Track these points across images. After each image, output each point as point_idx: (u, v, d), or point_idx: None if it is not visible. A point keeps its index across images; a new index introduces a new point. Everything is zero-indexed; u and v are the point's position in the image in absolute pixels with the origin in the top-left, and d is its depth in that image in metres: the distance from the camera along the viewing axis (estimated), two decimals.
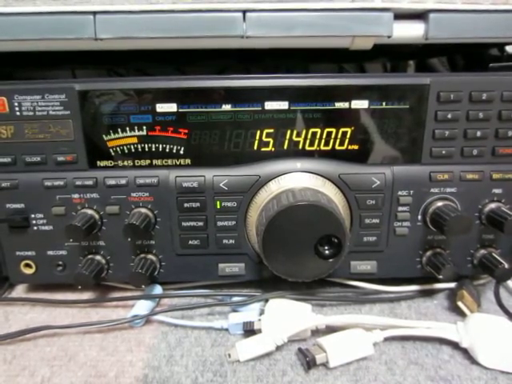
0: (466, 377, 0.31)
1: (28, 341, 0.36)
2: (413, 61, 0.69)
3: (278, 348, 0.33)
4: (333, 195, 0.37)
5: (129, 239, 0.38)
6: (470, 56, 0.53)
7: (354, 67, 0.66)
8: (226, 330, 0.36)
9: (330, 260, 0.34)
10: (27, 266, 0.41)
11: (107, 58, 0.48)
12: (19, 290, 0.44)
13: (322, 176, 0.38)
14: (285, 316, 0.34)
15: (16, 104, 0.36)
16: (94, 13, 0.36)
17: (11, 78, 0.50)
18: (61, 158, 0.38)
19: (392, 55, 0.59)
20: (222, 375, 0.31)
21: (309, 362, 0.31)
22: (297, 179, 0.37)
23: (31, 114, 0.36)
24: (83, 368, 0.32)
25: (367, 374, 0.31)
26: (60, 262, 0.40)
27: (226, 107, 0.37)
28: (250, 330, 0.34)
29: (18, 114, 0.36)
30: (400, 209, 0.39)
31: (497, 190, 0.38)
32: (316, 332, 0.34)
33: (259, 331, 0.34)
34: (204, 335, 0.36)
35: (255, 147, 0.38)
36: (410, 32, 0.37)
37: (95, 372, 0.32)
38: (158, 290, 0.41)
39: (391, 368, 0.32)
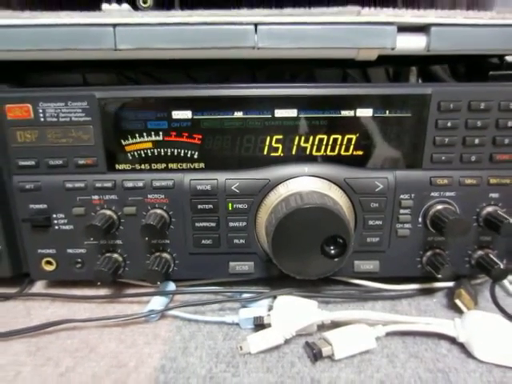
0: (463, 369, 0.33)
1: (50, 334, 0.38)
2: (415, 67, 0.71)
3: (287, 341, 0.35)
4: (338, 198, 0.39)
5: (146, 238, 0.40)
6: (471, 64, 0.55)
7: (357, 72, 0.68)
8: (237, 324, 0.38)
9: (336, 259, 0.36)
10: (48, 263, 0.43)
11: (116, 61, 0.50)
12: (38, 286, 0.46)
13: (328, 180, 0.39)
14: (292, 311, 0.37)
15: (40, 110, 0.38)
16: (114, 25, 0.38)
17: (23, 81, 0.53)
18: (81, 162, 0.40)
19: (395, 62, 0.61)
20: (235, 366, 0.33)
21: (315, 355, 0.33)
22: (304, 183, 0.39)
23: (54, 119, 0.39)
24: (104, 359, 0.34)
25: (370, 366, 0.33)
26: (79, 260, 0.42)
27: (238, 114, 0.39)
28: (259, 325, 0.36)
29: (42, 119, 0.39)
30: (402, 211, 0.40)
31: (494, 195, 0.40)
32: (322, 327, 0.37)
33: (268, 325, 0.36)
34: (216, 329, 0.38)
35: (265, 152, 0.40)
36: (412, 44, 0.39)
37: (116, 362, 0.34)
38: (171, 286, 0.43)
39: (392, 361, 0.34)
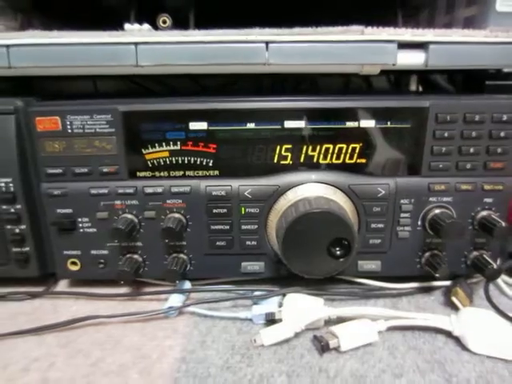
0: (458, 360, 0.36)
1: (78, 328, 0.41)
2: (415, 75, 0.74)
3: (296, 335, 0.38)
4: (343, 203, 0.42)
5: (166, 240, 0.43)
6: (468, 73, 0.58)
7: (360, 79, 0.71)
8: (250, 320, 0.41)
9: (341, 260, 0.39)
10: (73, 263, 0.46)
11: None
12: (62, 285, 0.49)
13: (333, 186, 0.42)
14: (301, 308, 0.40)
15: (68, 123, 0.41)
16: (136, 43, 0.41)
17: (32, 87, 0.55)
18: (105, 170, 0.43)
19: (397, 71, 0.64)
20: (249, 357, 0.36)
21: (323, 346, 0.36)
22: (312, 189, 0.42)
23: (81, 131, 0.42)
24: (130, 351, 0.38)
25: (373, 357, 0.36)
26: (102, 260, 0.45)
27: (250, 125, 0.42)
28: (271, 320, 0.39)
29: (69, 131, 0.42)
30: (402, 215, 0.43)
31: (488, 200, 0.43)
32: (328, 322, 0.40)
33: (279, 320, 0.39)
34: (230, 324, 0.41)
35: (275, 160, 0.43)
36: (412, 60, 0.42)
37: (140, 354, 0.37)
38: (187, 285, 0.46)
39: (393, 353, 0.37)
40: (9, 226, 0.44)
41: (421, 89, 0.76)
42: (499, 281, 0.46)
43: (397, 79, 0.77)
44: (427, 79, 0.72)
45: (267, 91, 0.69)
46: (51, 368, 0.36)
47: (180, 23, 0.44)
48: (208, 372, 0.35)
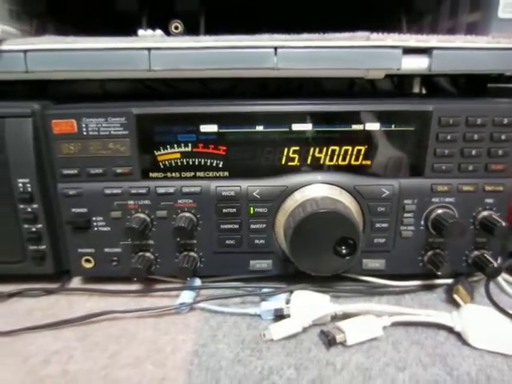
0: (459, 355, 0.37)
1: (94, 323, 0.42)
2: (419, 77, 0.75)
3: (304, 330, 0.40)
4: (348, 203, 0.43)
5: (177, 239, 0.45)
6: (471, 76, 0.59)
7: (364, 80, 0.72)
8: (258, 315, 0.43)
9: (347, 258, 0.40)
10: (87, 261, 0.47)
11: None
12: (75, 282, 0.51)
13: (339, 187, 0.44)
14: (308, 304, 0.41)
15: (84, 125, 0.43)
16: (149, 49, 0.42)
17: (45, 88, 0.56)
18: (119, 171, 0.44)
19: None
20: (259, 351, 0.38)
21: (330, 341, 0.38)
22: (318, 189, 0.44)
23: (96, 133, 0.43)
24: (144, 344, 0.39)
25: (377, 351, 0.38)
26: (115, 258, 0.47)
27: (259, 128, 0.43)
28: (279, 316, 0.41)
29: (84, 133, 0.43)
30: (405, 215, 0.45)
31: (489, 200, 0.44)
32: (334, 318, 0.41)
33: (288, 316, 0.40)
34: (240, 320, 0.43)
35: (283, 162, 0.44)
36: (416, 65, 0.43)
37: (155, 347, 0.39)
38: (197, 282, 0.48)
39: (397, 347, 0.38)
40: (26, 225, 0.45)
41: (424, 91, 0.77)
42: (499, 279, 0.47)
43: (400, 81, 0.79)
44: (430, 81, 0.74)
45: (271, 91, 0.71)
46: (70, 360, 0.37)
47: (190, 28, 0.45)
48: (220, 365, 0.36)
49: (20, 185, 0.44)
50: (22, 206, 0.45)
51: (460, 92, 0.67)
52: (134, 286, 0.49)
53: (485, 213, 0.44)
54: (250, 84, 0.69)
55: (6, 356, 0.38)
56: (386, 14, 0.56)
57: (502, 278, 0.48)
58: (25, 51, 0.42)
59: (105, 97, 0.58)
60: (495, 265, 0.43)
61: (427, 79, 0.74)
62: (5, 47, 0.42)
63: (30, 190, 0.44)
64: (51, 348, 0.39)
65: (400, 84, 0.78)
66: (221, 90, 0.70)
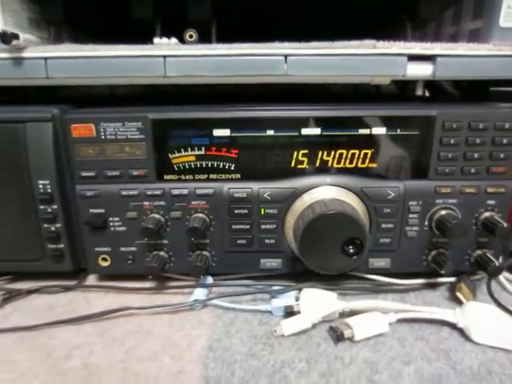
0: (461, 350, 0.39)
1: (111, 319, 0.44)
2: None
3: (313, 326, 0.42)
4: (356, 204, 0.45)
5: (191, 239, 0.47)
6: (473, 80, 0.61)
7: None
8: (269, 312, 0.45)
9: (354, 257, 0.42)
10: (103, 259, 0.49)
11: None
12: (90, 280, 0.53)
13: (346, 189, 0.45)
14: (318, 301, 0.43)
15: (102, 129, 0.45)
16: (164, 56, 0.44)
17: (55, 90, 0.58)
18: (135, 173, 0.46)
19: None
20: (271, 346, 0.40)
21: (338, 336, 0.39)
22: (326, 191, 0.45)
23: (113, 137, 0.45)
24: (160, 339, 0.41)
25: (383, 346, 0.40)
26: (130, 257, 0.49)
27: (270, 132, 0.45)
28: (289, 312, 0.43)
29: (102, 137, 0.45)
30: (410, 216, 0.46)
31: (490, 202, 0.46)
32: (342, 314, 0.43)
33: (298, 313, 0.42)
34: (251, 316, 0.45)
35: (292, 165, 0.46)
36: (420, 72, 0.45)
37: (170, 342, 0.41)
38: (209, 280, 0.50)
39: (402, 342, 0.40)
40: (45, 225, 0.47)
41: (427, 93, 0.79)
42: (501, 277, 0.49)
43: (404, 83, 0.80)
44: (433, 84, 0.75)
45: (278, 94, 0.73)
46: (91, 354, 0.39)
47: (203, 36, 0.47)
48: (234, 358, 0.38)
49: (40, 186, 0.46)
50: (42, 207, 0.47)
51: (462, 94, 0.69)
52: (148, 284, 0.51)
53: (487, 214, 0.46)
54: (254, 86, 0.71)
55: (30, 350, 0.40)
56: (391, 21, 0.58)
57: (503, 276, 0.50)
58: (45, 58, 0.44)
59: (119, 100, 0.60)
60: (497, 264, 0.45)
61: (430, 82, 0.76)
62: (26, 54, 0.44)
63: (49, 191, 0.46)
64: (72, 342, 0.41)
65: (404, 86, 0.80)
66: (227, 91, 0.71)
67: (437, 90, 0.75)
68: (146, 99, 0.61)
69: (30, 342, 0.41)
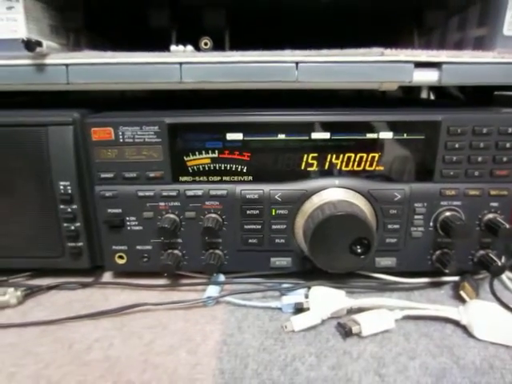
0: (464, 346, 0.41)
1: (129, 314, 0.46)
2: None
3: (322, 322, 0.43)
4: (363, 206, 0.47)
5: (205, 238, 0.49)
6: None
7: None
8: (279, 309, 0.46)
9: (361, 257, 0.44)
10: (120, 257, 0.51)
11: None
12: (106, 276, 0.55)
13: (354, 191, 0.47)
14: (326, 298, 0.45)
15: (120, 133, 0.47)
16: (181, 63, 0.46)
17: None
18: (151, 175, 0.48)
19: None
20: (281, 341, 0.42)
21: (346, 332, 0.41)
22: (335, 193, 0.47)
23: (131, 140, 0.47)
24: (176, 334, 0.43)
25: (390, 342, 0.41)
26: (145, 255, 0.51)
27: (281, 136, 0.47)
28: (299, 309, 0.45)
29: (121, 140, 0.47)
30: (416, 217, 0.48)
31: (494, 204, 0.47)
32: (350, 311, 0.45)
33: (307, 309, 0.44)
34: (262, 313, 0.47)
35: (302, 167, 0.48)
36: (426, 78, 0.46)
37: (186, 337, 0.43)
38: (221, 278, 0.52)
39: (408, 338, 0.42)
40: (65, 224, 0.49)
41: (432, 96, 0.81)
42: (503, 277, 0.51)
43: (410, 87, 0.82)
44: (439, 87, 0.77)
45: (286, 95, 0.74)
46: (111, 347, 0.41)
47: (217, 43, 0.49)
48: (247, 352, 0.40)
49: (61, 187, 0.48)
50: (62, 207, 0.49)
51: (467, 98, 0.70)
52: (162, 281, 0.53)
53: (490, 215, 0.48)
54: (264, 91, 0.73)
55: (52, 342, 0.42)
56: (398, 29, 0.60)
57: (506, 275, 0.51)
58: (66, 65, 0.46)
59: (135, 104, 0.62)
60: (499, 263, 0.46)
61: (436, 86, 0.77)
62: (49, 61, 0.46)
63: (70, 191, 0.48)
64: (92, 336, 0.43)
65: (409, 90, 0.82)
66: (236, 92, 0.73)
67: (442, 93, 0.76)
68: (160, 102, 0.64)
69: (52, 335, 0.43)
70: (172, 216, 0.49)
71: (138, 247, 0.51)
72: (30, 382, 0.37)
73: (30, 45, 0.44)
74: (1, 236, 0.50)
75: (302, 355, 0.40)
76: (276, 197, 0.48)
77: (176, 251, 0.50)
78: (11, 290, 0.48)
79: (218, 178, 0.48)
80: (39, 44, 0.45)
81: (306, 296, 0.46)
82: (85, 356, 0.40)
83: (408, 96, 0.80)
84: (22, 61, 0.46)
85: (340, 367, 0.38)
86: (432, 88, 0.80)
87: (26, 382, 0.37)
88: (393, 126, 0.46)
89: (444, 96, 0.76)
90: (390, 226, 0.48)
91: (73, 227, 0.50)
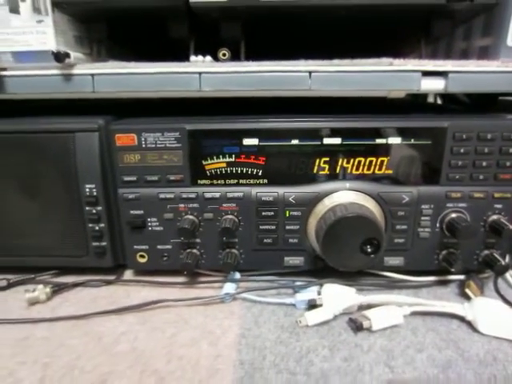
0: (469, 340, 0.43)
1: (150, 310, 0.49)
2: None
3: (335, 317, 0.46)
4: (373, 208, 0.49)
5: (223, 238, 0.52)
6: None
7: None
8: (293, 305, 0.49)
9: (371, 256, 0.46)
10: (141, 256, 0.54)
11: None
12: (128, 274, 0.58)
13: (365, 193, 0.49)
14: (337, 295, 0.47)
15: (143, 139, 0.50)
16: (200, 73, 0.49)
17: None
18: (172, 178, 0.51)
19: None
20: (296, 334, 0.44)
21: (357, 327, 0.44)
22: (346, 196, 0.49)
23: (153, 146, 0.50)
24: (197, 328, 0.46)
25: (398, 336, 0.44)
26: (165, 254, 0.54)
27: (294, 142, 0.49)
28: (312, 305, 0.47)
29: (143, 146, 0.50)
30: (423, 218, 0.50)
31: (498, 206, 0.49)
32: (360, 307, 0.47)
33: (319, 305, 0.47)
34: (277, 309, 0.49)
35: (315, 171, 0.50)
36: (433, 86, 0.48)
37: (207, 330, 0.45)
38: (237, 275, 0.54)
39: (415, 333, 0.44)
40: (90, 225, 0.52)
41: (439, 100, 0.83)
42: (507, 275, 0.53)
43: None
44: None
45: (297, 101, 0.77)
46: (136, 340, 0.44)
47: (233, 53, 0.52)
48: (264, 345, 0.43)
49: (87, 190, 0.51)
50: (87, 208, 0.52)
51: (472, 102, 0.73)
52: (181, 279, 0.56)
53: (494, 217, 0.50)
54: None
55: (82, 335, 0.45)
56: (407, 38, 0.62)
57: (509, 274, 0.53)
58: (92, 75, 0.49)
59: (157, 111, 0.65)
60: (503, 263, 0.49)
61: None
62: (76, 71, 0.49)
63: (95, 194, 0.51)
64: (118, 330, 0.46)
65: (417, 95, 0.84)
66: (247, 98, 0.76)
67: (448, 98, 0.79)
68: (176, 107, 0.66)
69: (82, 329, 0.46)
70: (191, 217, 0.51)
71: (159, 247, 0.54)
72: (65, 371, 0.40)
73: (59, 56, 0.47)
74: (30, 236, 0.53)
75: (316, 348, 0.42)
76: (290, 199, 0.50)
77: (194, 250, 0.53)
78: (40, 286, 0.51)
79: (235, 181, 0.51)
80: (68, 55, 0.47)
81: (319, 293, 0.49)
82: (113, 348, 0.43)
83: (415, 100, 0.82)
84: (51, 71, 0.49)
85: (352, 359, 0.41)
86: (439, 93, 0.82)
87: (60, 371, 0.40)
88: (401, 132, 0.49)
89: (450, 100, 0.78)
90: (398, 227, 0.51)
91: (97, 228, 0.53)
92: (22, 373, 0.40)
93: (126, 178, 0.51)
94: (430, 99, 0.86)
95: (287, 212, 0.51)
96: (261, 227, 0.52)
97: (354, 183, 0.50)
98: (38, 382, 0.39)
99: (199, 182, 0.51)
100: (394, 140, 0.49)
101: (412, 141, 0.49)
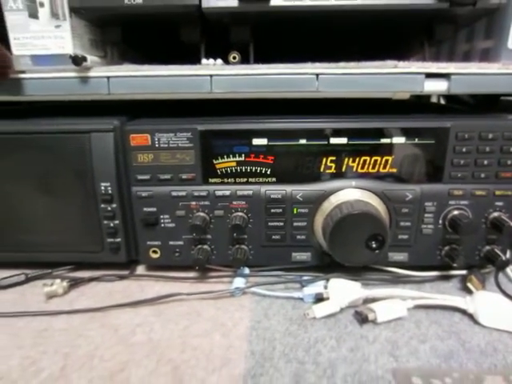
0: (470, 331, 0.45)
1: (164, 303, 0.51)
2: None
3: (341, 310, 0.48)
4: (377, 205, 0.51)
5: (234, 234, 0.54)
6: None
7: None
8: (301, 299, 0.51)
9: (376, 252, 0.48)
10: (154, 252, 0.56)
11: None
12: (140, 269, 0.60)
13: (370, 191, 0.51)
14: (343, 289, 0.49)
15: (156, 139, 0.52)
16: (211, 75, 0.50)
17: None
18: (184, 177, 0.53)
19: None
20: (304, 326, 0.46)
21: (363, 319, 0.46)
22: (352, 193, 0.51)
23: (166, 146, 0.52)
24: (210, 320, 0.48)
25: (402, 328, 0.46)
26: (177, 250, 0.56)
27: (302, 141, 0.51)
28: (320, 299, 0.49)
29: (156, 145, 0.52)
30: (426, 215, 0.52)
31: (499, 203, 0.51)
32: (365, 301, 0.49)
33: (326, 299, 0.49)
34: (285, 302, 0.51)
35: (322, 170, 0.52)
36: (437, 88, 0.50)
37: (219, 322, 0.47)
38: (246, 271, 0.56)
39: (419, 325, 0.46)
40: (105, 221, 0.54)
41: (442, 100, 0.84)
42: (507, 270, 0.55)
43: None
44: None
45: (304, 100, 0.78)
46: (151, 331, 0.46)
47: (242, 56, 0.54)
48: (274, 336, 0.45)
49: (102, 188, 0.53)
50: (103, 206, 0.54)
51: (475, 102, 0.74)
52: (192, 274, 0.58)
53: (495, 214, 0.52)
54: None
55: (99, 327, 0.47)
56: (411, 41, 0.64)
57: (510, 269, 0.55)
58: (108, 77, 0.51)
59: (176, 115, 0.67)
60: (504, 258, 0.51)
61: None
62: (92, 74, 0.51)
63: (110, 192, 0.53)
64: (134, 322, 0.48)
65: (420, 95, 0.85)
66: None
67: (451, 98, 0.80)
68: (187, 107, 0.68)
69: (99, 321, 0.48)
70: (202, 214, 0.53)
71: (171, 243, 0.56)
72: (85, 360, 0.42)
73: (76, 60, 0.49)
74: (47, 232, 0.55)
75: (324, 339, 0.44)
76: (297, 197, 0.52)
77: (205, 246, 0.55)
78: (58, 281, 0.53)
79: (245, 180, 0.53)
80: (85, 59, 0.49)
81: (326, 287, 0.51)
82: (130, 339, 0.45)
83: (419, 100, 0.84)
84: (68, 73, 0.51)
85: (358, 349, 0.43)
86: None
87: (80, 360, 0.42)
88: (405, 132, 0.50)
89: (453, 99, 0.80)
90: (402, 224, 0.52)
91: (112, 224, 0.55)
92: (44, 362, 0.42)
93: (140, 177, 0.53)
94: (434, 99, 0.87)
95: (295, 209, 0.53)
96: (269, 224, 0.54)
97: (359, 181, 0.52)
98: (60, 369, 0.41)
99: (210, 180, 0.53)
100: (398, 140, 0.51)
101: (416, 140, 0.51)
